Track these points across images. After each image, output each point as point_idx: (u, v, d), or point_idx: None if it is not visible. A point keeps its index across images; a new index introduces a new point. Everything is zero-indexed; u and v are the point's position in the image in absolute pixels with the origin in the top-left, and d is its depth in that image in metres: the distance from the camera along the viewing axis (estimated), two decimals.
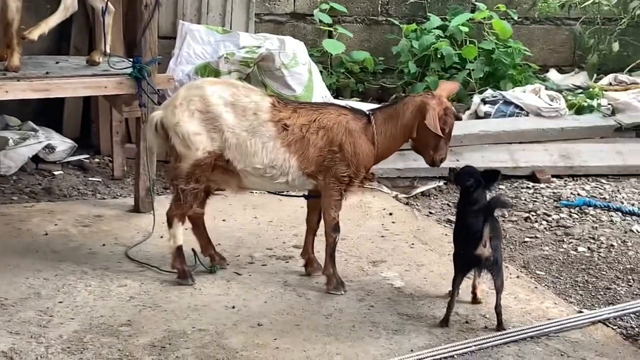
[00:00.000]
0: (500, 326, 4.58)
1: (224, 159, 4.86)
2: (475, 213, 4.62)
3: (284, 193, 6.46)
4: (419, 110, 4.79)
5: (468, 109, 8.05)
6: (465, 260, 4.63)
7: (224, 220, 6.03)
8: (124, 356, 4.13)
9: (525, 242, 5.95)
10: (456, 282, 4.65)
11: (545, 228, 6.22)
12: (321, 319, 4.65)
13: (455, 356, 4.30)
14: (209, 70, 7.04)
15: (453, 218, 6.21)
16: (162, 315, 4.58)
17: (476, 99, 8.00)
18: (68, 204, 6.29)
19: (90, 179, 6.82)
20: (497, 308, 4.60)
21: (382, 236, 5.90)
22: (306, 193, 5.22)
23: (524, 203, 6.67)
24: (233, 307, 4.72)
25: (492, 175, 4.79)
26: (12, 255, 5.25)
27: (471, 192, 4.73)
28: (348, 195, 4.98)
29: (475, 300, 4.89)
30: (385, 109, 5.03)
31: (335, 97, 7.55)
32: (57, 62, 6.22)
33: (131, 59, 6.00)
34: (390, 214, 6.34)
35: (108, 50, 6.17)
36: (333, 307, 4.79)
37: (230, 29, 7.66)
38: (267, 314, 4.66)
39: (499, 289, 4.59)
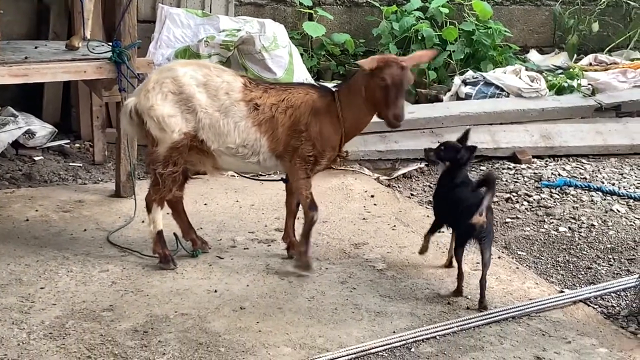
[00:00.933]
0: (482, 300, 4.60)
1: (198, 140, 4.85)
2: (465, 185, 4.70)
3: (265, 177, 6.49)
4: (360, 66, 4.80)
5: (449, 90, 8.05)
6: (462, 231, 4.69)
7: (205, 204, 6.03)
8: (106, 341, 4.13)
9: (506, 222, 5.98)
10: (458, 255, 4.74)
11: (526, 209, 6.24)
12: (303, 302, 4.65)
13: (437, 337, 4.32)
14: (189, 54, 7.02)
15: None
16: (144, 300, 4.58)
17: (457, 80, 8.00)
18: (49, 189, 6.26)
19: (71, 164, 6.78)
20: (482, 281, 4.63)
21: (364, 218, 5.91)
22: (284, 176, 5.22)
23: (505, 184, 6.69)
24: (215, 291, 4.73)
25: (472, 150, 4.85)
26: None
27: (460, 165, 4.80)
28: (315, 174, 5.01)
29: (450, 264, 5.06)
30: (347, 82, 5.05)
31: (316, 80, 7.54)
32: (36, 47, 6.18)
33: (110, 44, 5.97)
34: (372, 196, 6.34)
35: (88, 35, 6.13)
36: (315, 290, 4.80)
37: (210, 12, 7.63)
38: (249, 298, 4.66)
39: (486, 263, 4.63)
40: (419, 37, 8.35)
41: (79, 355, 3.99)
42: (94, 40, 6.23)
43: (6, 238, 5.27)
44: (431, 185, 6.65)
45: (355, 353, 4.13)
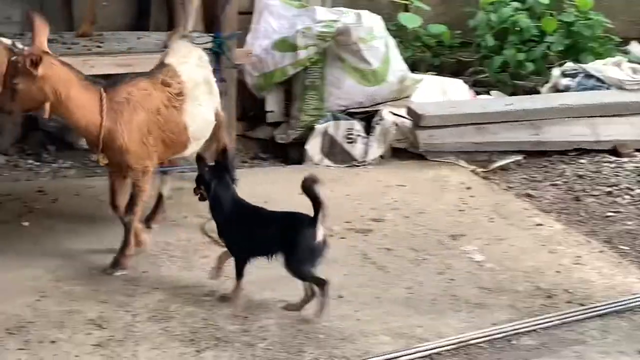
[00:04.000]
0: None
1: None
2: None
3: (361, 166, 6.54)
4: None
5: (547, 82, 7.93)
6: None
7: (301, 193, 6.05)
8: (208, 325, 4.20)
9: (607, 216, 5.86)
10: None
11: (628, 202, 6.11)
12: (401, 292, 4.65)
13: (538, 330, 4.27)
14: (286, 45, 7.07)
15: (533, 192, 6.21)
16: (243, 286, 4.63)
17: (556, 72, 7.86)
18: None
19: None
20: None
21: (461, 210, 5.87)
22: None
23: (605, 177, 6.57)
24: None
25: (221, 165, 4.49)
26: (96, 227, 5.35)
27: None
28: None
29: None
30: None
31: (412, 71, 7.50)
32: (139, 38, 6.31)
33: (211, 34, 6.05)
34: (468, 188, 6.29)
35: (190, 27, 6.22)
36: (413, 281, 4.79)
37: (307, 3, 7.66)
38: (347, 287, 4.68)
39: None
40: (517, 29, 8.24)
41: (182, 338, 4.07)
42: (194, 30, 6.32)
43: (109, 223, 5.38)
44: (529, 177, 6.57)
45: (455, 343, 4.11)
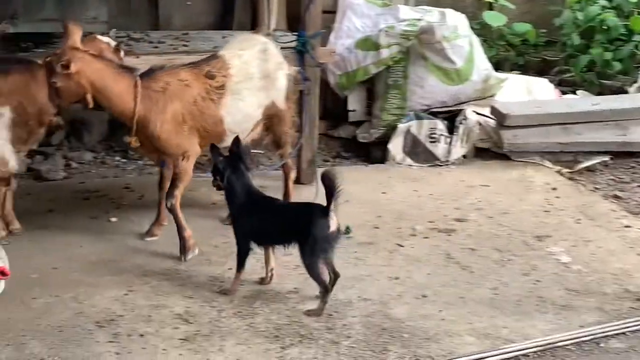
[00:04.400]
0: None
1: None
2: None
3: (443, 165, 6.50)
4: None
5: (635, 82, 7.76)
6: None
7: (383, 192, 6.06)
8: (292, 322, 4.22)
9: None
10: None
11: None
12: (486, 293, 4.60)
13: (627, 333, 4.18)
14: (369, 44, 7.06)
15: (620, 194, 6.08)
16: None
17: None
18: None
19: (252, 151, 6.92)
20: None
21: (546, 211, 5.78)
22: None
23: None
24: (397, 278, 4.74)
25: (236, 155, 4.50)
26: None
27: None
28: None
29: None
30: None
31: (496, 70, 7.42)
32: (223, 37, 6.38)
33: (295, 33, 6.08)
34: (554, 188, 6.20)
35: (273, 26, 6.27)
36: (497, 281, 4.74)
37: (390, 2, 7.64)
38: (430, 286, 4.66)
39: None
40: (604, 27, 8.08)
41: (267, 334, 4.10)
42: (278, 29, 6.36)
43: (195, 220, 5.45)
44: (616, 179, 6.44)
45: (542, 345, 4.05)
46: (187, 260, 4.90)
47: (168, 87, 4.82)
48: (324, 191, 4.18)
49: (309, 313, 4.30)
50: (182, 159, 4.91)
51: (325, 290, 4.29)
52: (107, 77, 4.67)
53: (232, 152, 4.52)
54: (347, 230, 5.23)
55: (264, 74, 5.18)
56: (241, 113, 5.10)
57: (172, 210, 4.93)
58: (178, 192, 4.92)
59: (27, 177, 6.23)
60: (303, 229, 4.23)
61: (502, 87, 7.25)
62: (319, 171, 4.41)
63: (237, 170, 4.46)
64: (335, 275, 4.34)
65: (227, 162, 4.47)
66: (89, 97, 4.65)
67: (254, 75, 5.13)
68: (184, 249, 4.94)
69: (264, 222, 4.42)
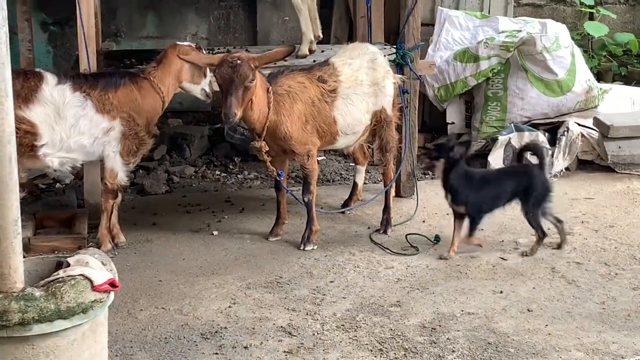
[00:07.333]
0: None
1: None
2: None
3: None
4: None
5: None
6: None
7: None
8: (396, 335, 4.18)
9: None
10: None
11: None
12: (594, 307, 4.49)
13: None
14: (467, 56, 7.00)
15: None
16: (430, 297, 4.60)
17: None
18: (332, 188, 6.47)
19: (351, 164, 6.95)
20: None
21: None
22: None
23: None
24: (501, 292, 4.67)
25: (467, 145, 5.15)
26: (283, 236, 5.46)
27: (456, 160, 5.04)
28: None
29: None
30: None
31: (597, 81, 7.27)
32: (322, 51, 6.40)
33: (394, 46, 6.07)
34: None
35: (371, 39, 6.26)
36: (605, 295, 4.62)
37: (489, 13, 7.57)
38: (536, 300, 4.56)
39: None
40: None
41: (370, 347, 4.07)
42: (376, 42, 6.36)
43: (295, 234, 5.47)
44: None
45: None
46: (306, 250, 5.22)
47: (291, 90, 5.13)
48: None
49: (526, 253, 5.14)
50: (308, 159, 5.21)
51: (544, 235, 5.13)
52: (261, 85, 4.98)
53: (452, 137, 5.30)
54: (437, 239, 5.34)
55: (373, 82, 5.43)
56: (351, 116, 5.36)
57: (308, 204, 5.27)
58: (313, 188, 5.28)
59: (131, 191, 6.36)
60: (526, 185, 5.05)
61: (605, 98, 7.09)
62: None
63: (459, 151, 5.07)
64: (558, 221, 5.17)
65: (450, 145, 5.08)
66: (252, 102, 4.93)
67: (364, 82, 5.40)
68: (307, 239, 5.27)
69: (492, 190, 5.14)
